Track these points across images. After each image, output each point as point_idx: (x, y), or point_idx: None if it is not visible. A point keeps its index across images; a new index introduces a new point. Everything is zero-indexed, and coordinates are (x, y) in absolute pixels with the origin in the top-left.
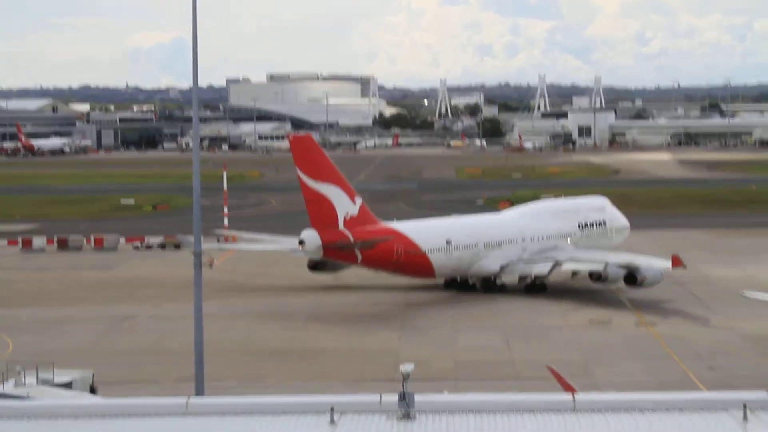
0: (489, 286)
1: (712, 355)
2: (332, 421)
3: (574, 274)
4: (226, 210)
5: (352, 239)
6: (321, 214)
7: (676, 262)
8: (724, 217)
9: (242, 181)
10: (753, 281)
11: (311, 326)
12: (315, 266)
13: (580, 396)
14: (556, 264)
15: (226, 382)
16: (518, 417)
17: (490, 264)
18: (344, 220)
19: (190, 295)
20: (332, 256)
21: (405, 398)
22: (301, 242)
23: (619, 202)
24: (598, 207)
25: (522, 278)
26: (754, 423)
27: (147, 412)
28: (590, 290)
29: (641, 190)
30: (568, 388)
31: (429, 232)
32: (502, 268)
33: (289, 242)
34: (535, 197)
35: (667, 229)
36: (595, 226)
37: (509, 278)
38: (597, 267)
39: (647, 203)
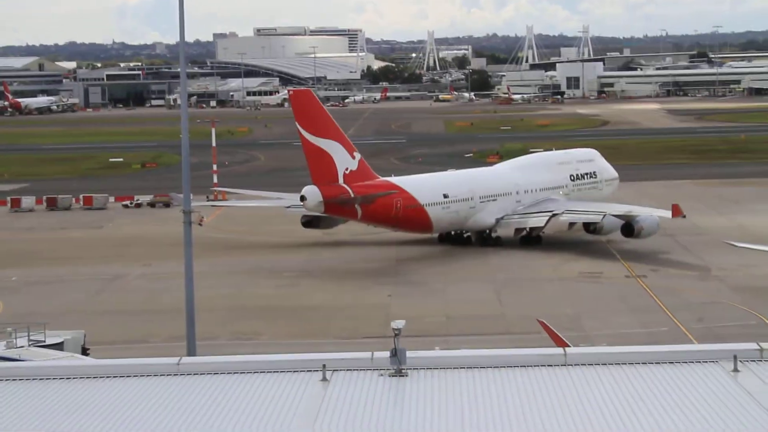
0: (484, 239)
1: (702, 306)
2: (324, 378)
3: (572, 225)
4: (215, 167)
5: (352, 194)
6: (321, 169)
7: (677, 211)
8: (714, 167)
9: (231, 138)
10: (743, 231)
11: (303, 283)
12: (309, 223)
13: (572, 350)
14: (553, 215)
15: (217, 340)
16: (510, 372)
17: (485, 217)
18: (344, 175)
19: (181, 253)
20: (333, 212)
21: (396, 355)
22: (302, 198)
23: (608, 154)
24: (589, 159)
25: (518, 231)
26: (744, 374)
27: (139, 373)
28: (580, 243)
29: (630, 141)
30: (560, 342)
31: (427, 187)
32: (498, 221)
33: (287, 199)
34: (524, 150)
35: (656, 180)
36: (586, 178)
37: (505, 231)
38: (595, 218)
39: (636, 154)
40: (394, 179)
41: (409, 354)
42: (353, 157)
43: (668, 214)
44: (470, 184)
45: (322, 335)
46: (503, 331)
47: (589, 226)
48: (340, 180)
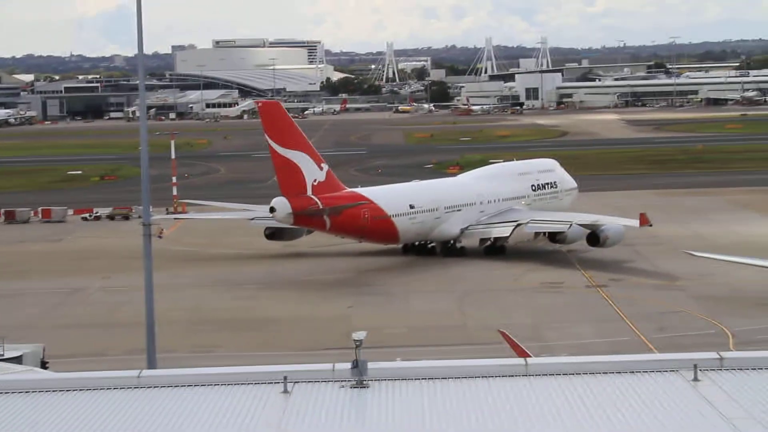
0: (449, 249)
1: (662, 316)
2: (285, 390)
3: (537, 235)
4: (174, 179)
5: (321, 205)
6: (290, 180)
7: (644, 220)
8: (672, 177)
9: (190, 150)
10: (701, 241)
11: (263, 295)
12: (272, 235)
13: (533, 360)
14: (518, 225)
15: (177, 353)
16: (471, 383)
17: (450, 228)
18: (312, 186)
19: (140, 266)
20: (302, 223)
21: (358, 366)
22: (272, 209)
23: (568, 164)
24: (549, 169)
25: (482, 241)
26: (704, 383)
27: (98, 386)
28: (541, 253)
29: (589, 152)
30: (521, 352)
31: (393, 197)
32: (462, 232)
33: (256, 210)
34: (483, 161)
35: (615, 191)
36: (546, 188)
37: (469, 241)
38: (562, 227)
39: (595, 164)
40: (361, 190)
41: (370, 365)
42: (321, 168)
43: (635, 222)
44: (435, 194)
45: (283, 347)
46: (464, 342)
47: (554, 236)
48: (309, 191)
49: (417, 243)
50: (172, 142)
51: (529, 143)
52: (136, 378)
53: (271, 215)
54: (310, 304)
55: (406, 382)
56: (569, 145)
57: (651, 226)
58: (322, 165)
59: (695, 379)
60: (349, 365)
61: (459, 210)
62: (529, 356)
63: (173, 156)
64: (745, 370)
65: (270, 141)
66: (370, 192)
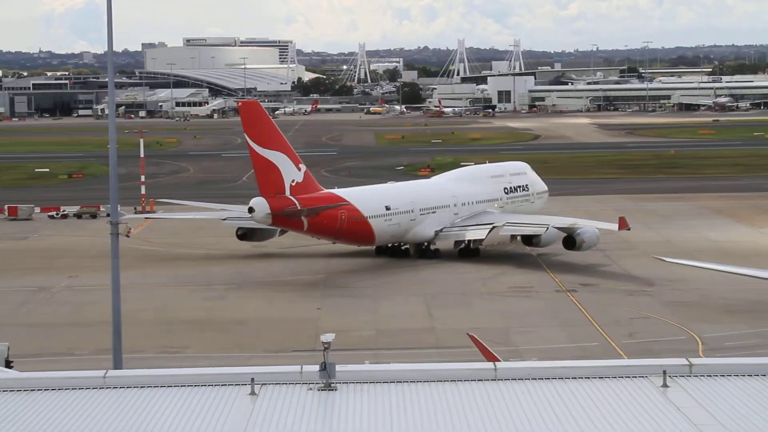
0: (423, 251)
1: (632, 321)
2: (253, 392)
3: (513, 238)
4: (143, 178)
5: (299, 206)
6: (269, 181)
7: (623, 224)
8: (643, 182)
9: (159, 149)
10: (672, 246)
11: (231, 296)
12: (244, 235)
13: (502, 364)
14: (494, 228)
15: (144, 353)
16: (440, 386)
17: (425, 229)
18: (290, 186)
19: (107, 265)
20: (280, 224)
21: (326, 368)
22: (250, 210)
23: (539, 168)
24: (521, 171)
25: (457, 243)
26: (674, 389)
27: (64, 386)
28: (511, 256)
29: (561, 156)
30: (490, 356)
31: (369, 199)
32: (437, 234)
33: (234, 210)
34: (455, 163)
35: (586, 195)
36: (519, 191)
37: (443, 243)
38: (539, 230)
39: (566, 168)
40: (338, 191)
41: (338, 368)
42: (299, 169)
43: (614, 226)
44: (411, 196)
45: (251, 349)
46: (433, 345)
47: (529, 239)
48: (287, 192)
49: (390, 245)
50: (141, 141)
51: (501, 146)
52: (102, 378)
53: (249, 215)
54: (278, 305)
55: (375, 385)
56: (541, 148)
57: (629, 230)
58: (300, 165)
59: (664, 385)
60: (317, 367)
61: (434, 212)
62: (498, 360)
63: (142, 154)
64: (714, 376)
65: (249, 140)
66: (347, 193)
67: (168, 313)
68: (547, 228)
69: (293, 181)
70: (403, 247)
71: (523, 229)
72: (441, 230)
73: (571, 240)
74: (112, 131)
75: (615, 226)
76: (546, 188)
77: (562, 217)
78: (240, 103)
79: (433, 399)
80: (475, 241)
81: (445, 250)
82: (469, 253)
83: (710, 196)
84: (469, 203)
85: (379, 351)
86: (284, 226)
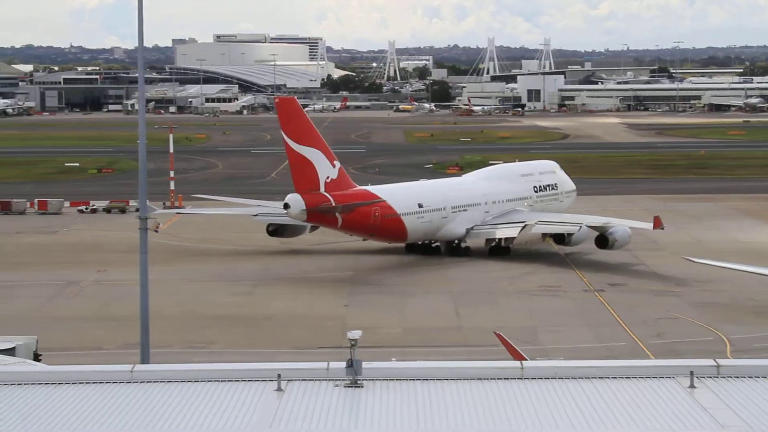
0: (454, 249)
1: (660, 322)
2: (279, 388)
3: (544, 236)
4: (172, 174)
5: (333, 203)
6: (304, 177)
7: (657, 223)
8: (673, 183)
9: (188, 144)
10: (701, 247)
11: (258, 292)
12: (275, 231)
13: (528, 363)
14: (525, 226)
15: (171, 348)
16: (466, 384)
17: (456, 227)
18: (325, 183)
19: (135, 260)
20: (314, 220)
21: (352, 365)
22: (286, 206)
23: (568, 167)
24: (550, 170)
25: (488, 241)
26: (701, 390)
27: (91, 380)
28: (538, 255)
29: (590, 155)
30: (517, 355)
31: (403, 196)
32: (468, 232)
33: (269, 206)
34: (483, 162)
35: (615, 195)
36: (548, 190)
37: (475, 241)
38: (572, 229)
39: (596, 168)
40: (371, 188)
41: (365, 365)
42: (333, 166)
43: (649, 225)
44: (443, 194)
45: (278, 345)
46: (460, 344)
47: (560, 238)
48: (321, 188)
49: (421, 242)
50: (171, 136)
51: (530, 145)
52: (129, 373)
53: (282, 211)
54: (305, 302)
55: (401, 382)
56: (570, 147)
57: (663, 229)
58: (335, 162)
59: (691, 386)
60: (343, 364)
61: (465, 210)
62: (525, 359)
63: (171, 150)
64: (742, 378)
65: (285, 137)
66: (380, 190)
67: (195, 309)
68: (581, 227)
69: (328, 177)
70: (434, 245)
71: (555, 228)
72: (472, 228)
73: (603, 239)
74: (141, 126)
75: (650, 226)
76: (574, 187)
77: (595, 216)
78: (277, 99)
79: (460, 397)
80: (506, 239)
81: (476, 248)
82: (499, 251)
83: (740, 197)
84: (499, 201)
85: (405, 348)
86: (319, 222)
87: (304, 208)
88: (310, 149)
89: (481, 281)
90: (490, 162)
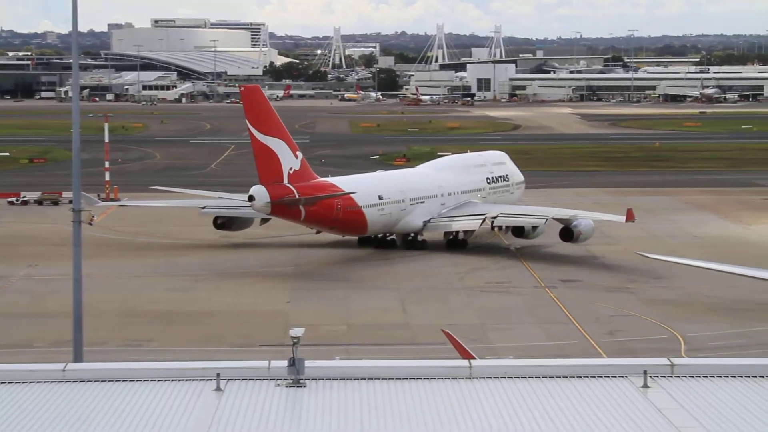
0: (410, 242)
1: (613, 319)
2: (218, 388)
3: (500, 229)
4: (107, 164)
5: (297, 195)
6: (268, 168)
7: (630, 215)
8: (627, 175)
9: (125, 134)
10: (655, 242)
11: (198, 287)
12: (223, 225)
13: (477, 362)
14: (487, 218)
15: (106, 346)
16: (413, 384)
17: (414, 220)
18: (288, 174)
19: (69, 253)
20: (279, 213)
21: (294, 364)
22: (250, 198)
23: (519, 159)
24: (500, 161)
25: (447, 234)
26: (654, 390)
27: (22, 379)
28: (488, 250)
29: (541, 147)
30: (465, 353)
31: (363, 188)
32: (425, 224)
33: (231, 198)
34: (432, 153)
35: (566, 188)
36: (499, 181)
37: (432, 234)
38: (538, 221)
39: (547, 160)
40: (332, 179)
41: (307, 363)
42: (296, 156)
43: (621, 218)
44: (401, 185)
45: (217, 342)
46: (407, 342)
47: (522, 230)
48: (285, 180)
49: (374, 236)
50: (106, 125)
51: (480, 136)
52: (62, 372)
53: (232, 204)
54: (246, 298)
55: (345, 382)
56: (521, 139)
57: (634, 222)
58: (297, 153)
59: (645, 385)
60: (285, 363)
61: (422, 202)
62: (474, 358)
63: (107, 139)
64: (697, 377)
65: (250, 126)
66: (341, 182)
67: (131, 305)
68: (546, 219)
69: (291, 168)
70: (388, 238)
71: (520, 220)
72: (429, 221)
73: (568, 231)
74: (75, 115)
75: (621, 219)
76: (523, 178)
77: (560, 208)
78: (242, 88)
79: (406, 397)
80: (466, 232)
81: (432, 241)
82: (457, 244)
83: (695, 190)
84: (455, 193)
85: (350, 347)
86: (282, 215)
87: (269, 200)
88: (274, 139)
89: (429, 277)
90: (439, 153)
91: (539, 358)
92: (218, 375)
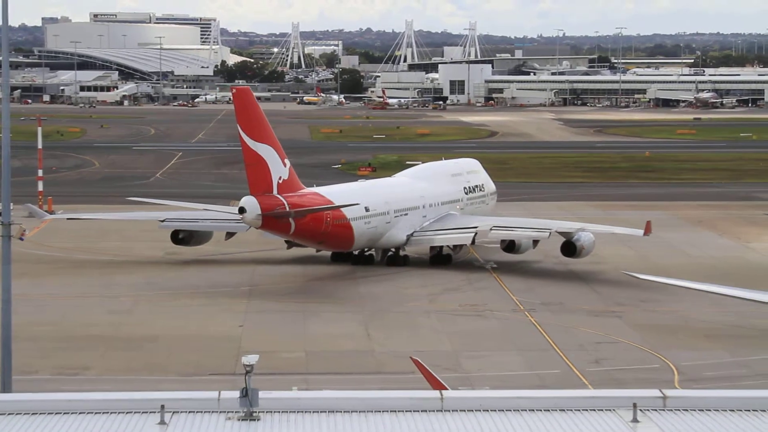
0: (391, 258)
1: (599, 346)
2: (162, 421)
3: (502, 242)
4: (40, 173)
5: (287, 207)
6: (259, 178)
7: (648, 229)
8: (614, 188)
9: (60, 139)
10: (645, 262)
11: (140, 309)
12: (182, 240)
13: (449, 393)
14: (477, 232)
15: (37, 375)
16: (378, 417)
17: (398, 233)
18: (278, 184)
19: None
20: (269, 226)
21: (247, 395)
22: (241, 210)
23: (496, 169)
24: (475, 170)
25: (432, 249)
26: (645, 424)
27: None
28: (461, 269)
29: (520, 155)
30: (436, 384)
31: (350, 199)
32: (408, 238)
33: (222, 211)
34: (400, 162)
35: (548, 201)
36: (476, 191)
37: (417, 249)
38: (540, 235)
39: (526, 170)
40: (319, 189)
41: (261, 395)
42: (285, 165)
43: (638, 232)
44: (384, 196)
45: (162, 371)
46: (372, 370)
47: (512, 245)
48: (274, 190)
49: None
50: (39, 129)
51: (453, 144)
52: None
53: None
54: (194, 321)
55: (303, 414)
56: (498, 147)
57: (649, 235)
58: (286, 161)
59: (634, 419)
60: (237, 394)
61: (405, 214)
62: (446, 389)
63: (40, 145)
64: (691, 411)
65: (242, 132)
66: (329, 192)
67: (66, 328)
68: (550, 232)
69: (280, 178)
70: (366, 253)
71: (518, 233)
72: (412, 234)
73: (570, 246)
74: (5, 118)
75: (639, 232)
76: (495, 188)
77: (561, 221)
78: (234, 90)
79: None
80: (455, 247)
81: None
82: (441, 259)
83: (690, 204)
84: (436, 204)
85: (309, 376)
86: (272, 229)
87: (260, 212)
88: (264, 146)
89: (396, 299)
90: (407, 162)
91: (518, 389)
92: (162, 407)
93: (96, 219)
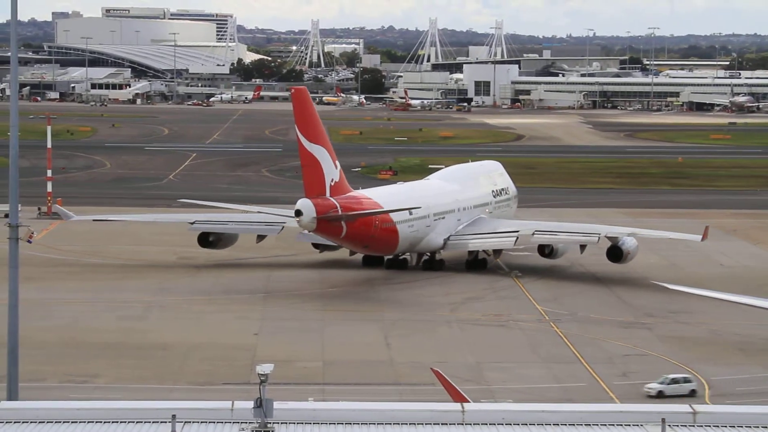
0: (429, 262)
1: (626, 358)
2: (174, 431)
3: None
4: (49, 173)
5: (340, 210)
6: (314, 180)
7: (706, 234)
8: (644, 194)
9: (70, 138)
10: (677, 272)
11: (151, 316)
12: (210, 243)
13: (471, 406)
14: (518, 236)
15: (46, 382)
16: (397, 430)
17: (436, 237)
18: (330, 187)
19: (3, 275)
20: (323, 230)
21: (262, 406)
22: (297, 213)
23: (522, 174)
24: (499, 172)
25: (471, 253)
26: None
27: None
28: (484, 277)
29: (548, 160)
30: (457, 396)
31: (395, 202)
32: (445, 242)
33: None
34: (422, 166)
35: (576, 207)
36: (502, 194)
37: (454, 252)
38: (587, 239)
39: (554, 176)
40: (367, 191)
41: (276, 405)
42: (336, 167)
43: (696, 237)
44: (424, 199)
45: (174, 380)
46: (391, 381)
47: (544, 249)
48: (327, 192)
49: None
50: (49, 128)
51: (477, 147)
52: None
53: (295, 219)
54: (207, 328)
55: (319, 426)
56: (524, 151)
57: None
58: (336, 162)
59: None
60: (251, 404)
61: (443, 218)
62: (467, 401)
63: (49, 145)
64: (722, 427)
65: (299, 133)
66: (377, 195)
67: (75, 335)
68: (599, 237)
69: (332, 180)
70: (401, 257)
71: (563, 238)
72: (449, 238)
73: (617, 251)
74: (13, 116)
75: (697, 237)
76: (516, 191)
77: (609, 226)
78: (293, 90)
79: None
80: (495, 251)
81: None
82: (478, 265)
83: (723, 213)
84: (469, 208)
85: (326, 386)
86: (326, 232)
87: (315, 216)
88: (318, 147)
89: (416, 307)
90: (430, 166)
91: (542, 403)
92: (174, 417)
93: (122, 220)
